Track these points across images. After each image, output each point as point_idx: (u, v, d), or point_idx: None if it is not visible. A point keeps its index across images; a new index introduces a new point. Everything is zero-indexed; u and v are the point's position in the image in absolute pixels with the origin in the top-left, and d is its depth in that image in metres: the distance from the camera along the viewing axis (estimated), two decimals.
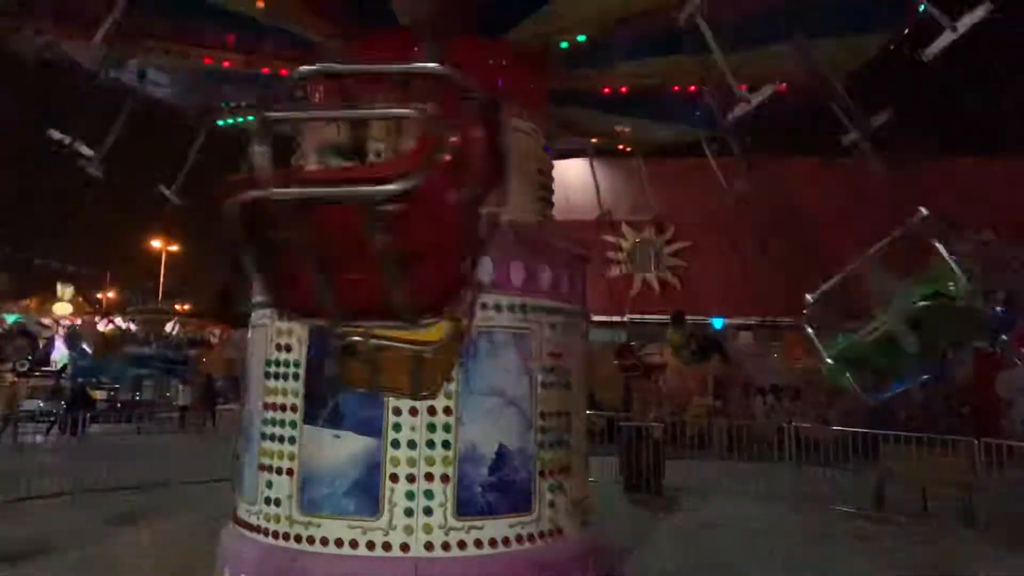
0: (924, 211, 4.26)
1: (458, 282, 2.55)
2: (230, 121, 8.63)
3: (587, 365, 7.42)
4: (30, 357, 24.74)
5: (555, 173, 7.81)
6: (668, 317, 20.36)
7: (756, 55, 6.39)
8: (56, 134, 6.73)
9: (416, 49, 6.85)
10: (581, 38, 6.76)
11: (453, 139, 2.12)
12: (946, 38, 4.72)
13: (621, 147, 10.32)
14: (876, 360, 4.79)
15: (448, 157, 2.09)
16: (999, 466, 11.32)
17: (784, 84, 4.98)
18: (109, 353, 25.21)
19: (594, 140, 10.20)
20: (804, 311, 4.94)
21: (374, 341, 3.54)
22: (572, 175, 18.72)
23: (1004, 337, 18.32)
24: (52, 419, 19.43)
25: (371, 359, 3.66)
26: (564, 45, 6.88)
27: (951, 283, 4.27)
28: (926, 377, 5.75)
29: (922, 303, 4.27)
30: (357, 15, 6.42)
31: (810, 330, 4.89)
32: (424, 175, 2.01)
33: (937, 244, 4.30)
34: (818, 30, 6.33)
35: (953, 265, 4.24)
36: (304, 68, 2.27)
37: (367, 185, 2.02)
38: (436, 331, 3.76)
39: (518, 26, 6.64)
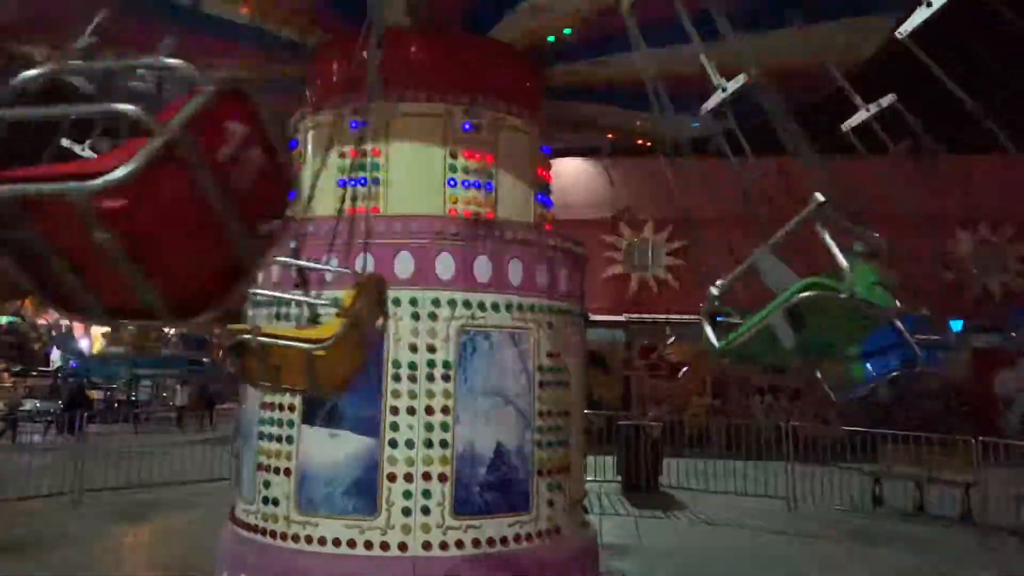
0: (820, 197, 4.14)
1: (215, 283, 2.48)
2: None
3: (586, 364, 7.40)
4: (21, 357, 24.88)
5: (552, 173, 7.81)
6: (667, 317, 20.33)
7: (755, 41, 6.31)
8: (65, 141, 6.69)
9: (413, 48, 6.88)
10: (567, 31, 6.72)
11: (173, 133, 2.07)
12: (921, 14, 4.68)
13: (640, 142, 10.11)
14: (760, 354, 4.73)
15: (167, 152, 2.04)
16: (997, 465, 11.32)
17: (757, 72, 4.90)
18: (142, 354, 25.42)
19: (610, 136, 10.05)
20: (702, 304, 4.89)
21: (261, 339, 3.52)
22: (570, 174, 18.76)
23: (1013, 334, 18.31)
24: (49, 419, 19.44)
25: (268, 357, 3.63)
26: (551, 39, 6.85)
27: (849, 278, 4.14)
28: (895, 374, 5.72)
29: (803, 296, 4.16)
30: (341, 17, 6.40)
31: (706, 323, 4.82)
32: (132, 172, 1.97)
33: (825, 236, 4.18)
34: (818, 14, 6.26)
35: (840, 258, 4.13)
36: (25, 74, 2.23)
37: (75, 181, 1.96)
38: (326, 328, 3.74)
39: (502, 22, 6.62)
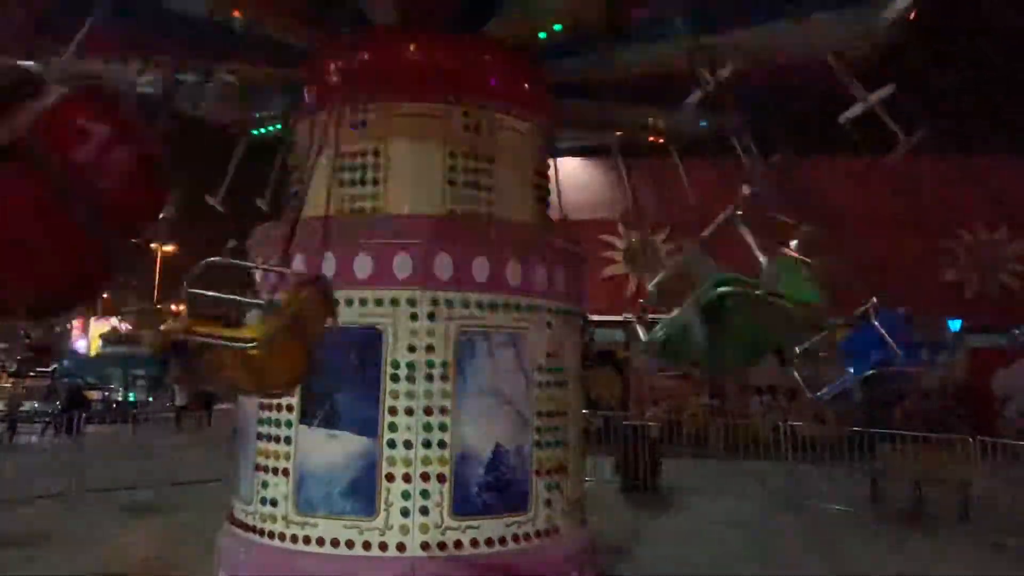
0: (747, 190, 4.14)
1: (68, 284, 2.43)
2: (263, 130, 8.62)
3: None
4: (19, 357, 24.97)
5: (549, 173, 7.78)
6: (669, 317, 20.31)
7: (754, 34, 6.26)
8: None
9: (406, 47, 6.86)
10: (557, 28, 6.68)
11: (10, 135, 2.03)
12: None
13: (653, 139, 10.01)
14: (681, 349, 4.72)
15: (8, 153, 2.01)
16: (995, 464, 11.33)
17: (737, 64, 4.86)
18: (167, 354, 25.39)
19: (619, 133, 9.98)
20: (640, 300, 4.90)
21: (195, 338, 3.51)
22: (570, 174, 18.71)
23: (1016, 331, 18.35)
24: (48, 420, 19.44)
25: (210, 356, 3.61)
26: (543, 36, 6.82)
27: (770, 276, 4.10)
28: (868, 374, 5.70)
29: (719, 292, 4.12)
30: (333, 18, 6.38)
31: (635, 321, 4.82)
32: None
33: (744, 232, 4.16)
34: (819, 5, 6.22)
35: (759, 255, 4.11)
36: None
37: None
38: (256, 328, 3.72)
39: (492, 20, 6.59)
